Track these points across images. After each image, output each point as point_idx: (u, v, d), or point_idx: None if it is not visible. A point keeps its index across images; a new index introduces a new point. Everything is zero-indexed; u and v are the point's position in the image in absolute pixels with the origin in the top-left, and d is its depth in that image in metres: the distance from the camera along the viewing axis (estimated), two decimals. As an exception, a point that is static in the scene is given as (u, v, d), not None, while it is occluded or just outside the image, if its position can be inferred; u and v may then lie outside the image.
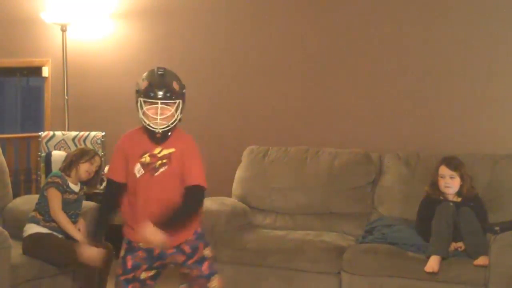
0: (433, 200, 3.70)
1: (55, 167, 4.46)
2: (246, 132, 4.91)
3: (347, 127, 4.67)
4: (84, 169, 3.73)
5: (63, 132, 5.13)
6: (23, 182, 5.35)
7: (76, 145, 4.89)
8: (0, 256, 3.27)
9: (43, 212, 3.64)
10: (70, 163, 3.74)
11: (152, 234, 2.59)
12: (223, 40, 5.06)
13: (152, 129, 2.66)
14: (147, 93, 2.63)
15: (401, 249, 3.62)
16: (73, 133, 5.04)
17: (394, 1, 4.54)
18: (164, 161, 2.70)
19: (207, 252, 2.85)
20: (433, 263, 3.37)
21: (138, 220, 2.69)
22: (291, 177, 4.35)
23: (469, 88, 4.35)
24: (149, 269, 2.80)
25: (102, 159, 4.30)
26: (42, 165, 4.86)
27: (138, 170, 2.71)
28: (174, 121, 2.68)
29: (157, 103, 2.63)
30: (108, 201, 2.86)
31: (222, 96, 5.01)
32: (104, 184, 4.72)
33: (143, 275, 2.80)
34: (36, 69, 5.69)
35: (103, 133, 4.98)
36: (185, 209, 2.69)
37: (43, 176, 4.82)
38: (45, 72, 5.63)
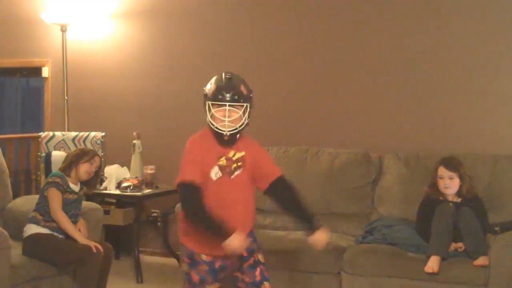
0: (433, 201, 3.70)
1: (55, 167, 4.45)
2: (246, 132, 4.89)
3: (347, 127, 4.66)
4: (84, 169, 3.72)
5: (63, 132, 5.13)
6: (23, 183, 5.35)
7: (76, 146, 4.89)
8: (0, 256, 3.27)
9: (43, 212, 3.64)
10: (70, 164, 3.73)
11: (240, 243, 2.57)
12: (223, 40, 5.06)
13: (220, 131, 2.65)
14: (215, 96, 2.63)
15: (401, 249, 3.62)
16: (73, 134, 5.04)
17: (396, 2, 4.54)
18: (239, 164, 2.71)
19: (260, 256, 2.82)
20: (433, 264, 3.37)
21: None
22: (291, 177, 4.29)
23: (469, 88, 4.34)
24: (213, 282, 2.76)
25: (102, 159, 4.30)
26: (42, 165, 4.86)
27: (216, 173, 2.67)
28: (242, 124, 2.68)
29: (225, 105, 2.63)
30: (201, 204, 2.62)
31: (222, 96, 4.99)
32: (103, 184, 4.73)
33: None
34: (36, 69, 5.69)
35: (103, 133, 4.97)
36: (299, 195, 2.85)
37: (43, 176, 4.81)
38: (45, 72, 5.63)
